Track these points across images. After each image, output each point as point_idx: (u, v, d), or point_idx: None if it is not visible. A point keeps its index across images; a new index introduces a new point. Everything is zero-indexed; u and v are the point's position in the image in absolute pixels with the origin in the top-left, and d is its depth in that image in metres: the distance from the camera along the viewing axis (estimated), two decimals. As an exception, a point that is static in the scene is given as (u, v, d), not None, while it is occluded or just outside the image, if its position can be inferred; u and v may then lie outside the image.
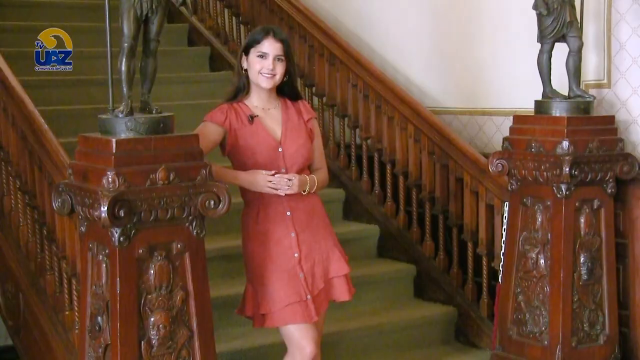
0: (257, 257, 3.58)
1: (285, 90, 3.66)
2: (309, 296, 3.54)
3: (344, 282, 3.68)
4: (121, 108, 3.18)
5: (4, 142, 4.37)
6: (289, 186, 3.50)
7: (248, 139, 3.55)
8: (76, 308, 3.84)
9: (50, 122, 4.05)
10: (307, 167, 3.67)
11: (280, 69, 3.54)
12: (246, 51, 3.57)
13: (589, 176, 4.20)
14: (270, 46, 3.52)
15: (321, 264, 3.61)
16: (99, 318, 3.21)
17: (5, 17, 5.97)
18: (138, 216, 3.07)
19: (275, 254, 3.55)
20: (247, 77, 3.59)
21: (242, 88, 3.61)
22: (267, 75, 3.53)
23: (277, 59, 3.52)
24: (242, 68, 3.59)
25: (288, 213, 3.56)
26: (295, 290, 3.53)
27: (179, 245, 3.19)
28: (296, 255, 3.56)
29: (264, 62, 3.52)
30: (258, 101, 3.62)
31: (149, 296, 3.16)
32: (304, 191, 3.56)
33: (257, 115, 3.57)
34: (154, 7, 3.22)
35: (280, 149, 3.56)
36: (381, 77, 5.24)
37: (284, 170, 3.54)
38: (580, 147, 4.18)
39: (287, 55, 3.55)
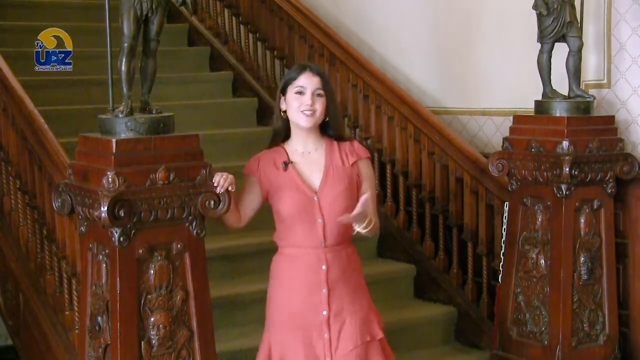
0: (281, 309, 3.34)
1: (329, 131, 3.39)
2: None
3: (378, 348, 3.37)
4: (121, 108, 3.18)
5: (4, 142, 4.37)
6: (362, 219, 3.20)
7: (281, 187, 3.32)
8: (76, 308, 3.84)
9: (50, 122, 4.05)
10: None
11: (320, 105, 3.30)
12: (283, 91, 3.35)
13: (589, 176, 4.20)
14: (307, 80, 3.31)
15: (353, 326, 3.31)
16: (99, 318, 3.21)
17: (5, 17, 5.96)
18: (138, 216, 3.07)
19: (300, 311, 3.30)
20: (287, 119, 3.36)
21: (280, 132, 3.39)
22: (307, 112, 3.28)
23: (315, 94, 3.30)
24: (281, 110, 3.36)
25: (324, 267, 3.31)
26: (314, 354, 3.28)
27: (179, 245, 3.19)
28: (325, 313, 3.29)
29: (302, 99, 3.29)
30: (298, 144, 3.37)
31: (149, 296, 3.16)
32: (363, 228, 3.22)
33: (291, 162, 3.34)
34: (154, 7, 3.22)
35: (315, 198, 3.30)
36: (381, 77, 5.24)
37: (320, 221, 3.29)
38: (580, 147, 4.18)
39: (327, 91, 3.33)
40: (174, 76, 5.92)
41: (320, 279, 3.30)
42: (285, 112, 3.35)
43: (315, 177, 3.34)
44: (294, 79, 3.32)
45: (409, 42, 5.53)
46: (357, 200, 3.24)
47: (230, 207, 3.20)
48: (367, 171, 3.42)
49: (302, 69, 3.35)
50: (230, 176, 3.23)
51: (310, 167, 3.35)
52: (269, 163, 3.35)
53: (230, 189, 3.19)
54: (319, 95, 3.31)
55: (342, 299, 3.32)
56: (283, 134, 3.39)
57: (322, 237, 3.30)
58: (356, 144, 3.41)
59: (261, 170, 3.35)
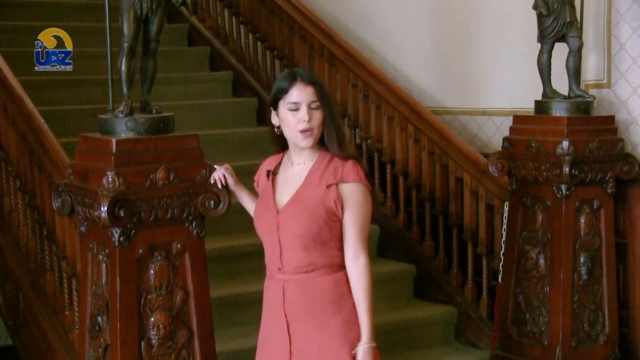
0: (260, 331, 3.11)
1: (327, 145, 2.96)
2: None
3: None
4: (121, 108, 3.18)
5: (4, 142, 4.37)
6: None
7: (260, 198, 3.08)
8: (76, 308, 3.84)
9: (50, 122, 4.05)
10: (324, 248, 2.92)
11: (317, 119, 2.91)
12: (274, 105, 2.97)
13: (589, 176, 4.20)
14: (300, 93, 2.91)
15: None
16: (99, 318, 3.21)
17: (5, 17, 5.96)
18: (138, 216, 3.07)
19: (267, 338, 3.04)
20: (282, 134, 3.00)
21: (276, 141, 3.06)
22: (306, 131, 2.91)
23: (311, 107, 2.91)
24: (274, 126, 3.00)
25: (281, 295, 2.95)
26: None
27: (179, 245, 3.19)
28: (287, 345, 2.95)
29: (298, 115, 2.91)
30: (292, 155, 3.02)
31: (149, 296, 3.16)
32: None
33: (276, 173, 3.04)
34: (154, 7, 3.23)
35: (276, 217, 2.95)
36: (381, 77, 5.24)
37: (277, 244, 2.94)
38: (580, 147, 4.18)
39: (323, 101, 2.93)
40: (174, 76, 5.92)
41: (279, 307, 2.96)
42: (279, 127, 2.99)
43: (286, 194, 2.98)
44: (285, 92, 2.92)
45: (409, 42, 5.53)
46: (327, 229, 2.89)
47: (229, 207, 3.20)
48: (353, 197, 2.92)
49: (292, 78, 2.93)
50: (225, 165, 3.19)
51: (288, 182, 3.00)
52: (264, 170, 3.11)
53: (227, 176, 3.14)
54: (315, 108, 2.92)
55: (306, 335, 2.93)
56: (278, 144, 3.07)
57: (278, 261, 2.95)
58: (348, 165, 2.92)
59: (259, 176, 3.15)
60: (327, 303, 2.92)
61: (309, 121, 2.90)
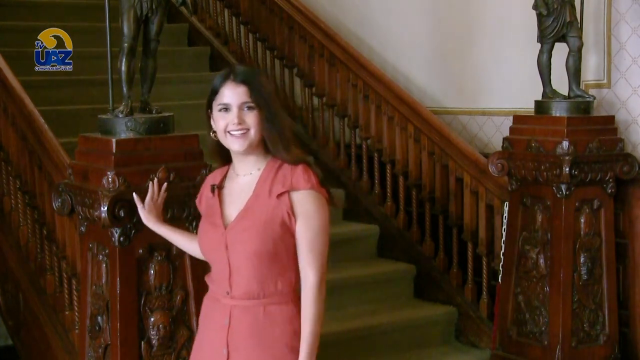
0: (192, 356, 2.80)
1: (271, 150, 2.63)
2: None
3: None
4: (121, 108, 3.19)
5: (4, 142, 4.37)
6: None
7: (204, 215, 2.76)
8: (76, 308, 3.84)
9: (50, 122, 4.05)
10: (280, 270, 2.58)
11: (252, 120, 2.58)
12: (209, 107, 2.67)
13: (589, 176, 4.20)
14: (230, 92, 2.59)
15: None
16: (99, 318, 3.21)
17: (5, 17, 5.96)
18: (138, 216, 3.07)
19: None
20: (218, 141, 2.68)
21: (216, 154, 2.73)
22: (235, 132, 2.58)
23: (244, 107, 2.59)
24: (211, 130, 2.68)
25: (226, 322, 2.61)
26: None
27: (179, 245, 3.19)
28: None
29: (228, 117, 2.59)
30: (236, 165, 2.69)
31: (149, 296, 3.16)
32: None
33: (217, 187, 2.71)
34: (154, 7, 3.23)
35: (224, 234, 2.62)
36: (381, 77, 5.24)
37: (226, 262, 2.60)
38: (580, 147, 4.18)
39: (259, 101, 2.59)
40: (174, 76, 5.92)
41: (221, 336, 2.62)
42: (215, 132, 2.66)
43: (234, 208, 2.64)
44: (216, 92, 2.62)
45: (409, 42, 5.53)
46: (283, 247, 2.56)
47: None
48: (306, 207, 2.57)
49: (224, 77, 2.63)
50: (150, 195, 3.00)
51: (236, 195, 2.66)
52: (208, 185, 2.77)
53: (140, 210, 2.97)
54: (249, 108, 2.59)
55: None
56: (219, 156, 2.73)
57: (227, 284, 2.61)
58: (299, 170, 2.58)
59: (202, 194, 2.81)
60: (279, 342, 2.58)
61: (239, 123, 2.57)
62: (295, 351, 2.55)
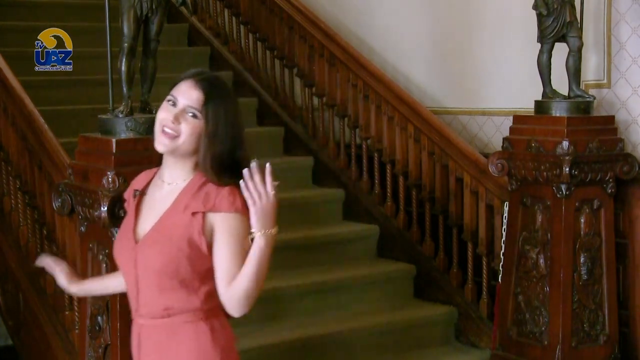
0: None
1: (200, 166, 2.45)
2: None
3: None
4: (121, 108, 3.19)
5: (4, 142, 4.37)
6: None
7: (122, 224, 2.60)
8: (76, 308, 3.84)
9: (50, 122, 4.05)
10: (183, 289, 2.43)
11: (188, 128, 2.40)
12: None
13: (589, 176, 4.20)
14: (183, 91, 2.46)
15: None
16: (99, 318, 3.21)
17: (5, 17, 5.96)
18: (138, 216, 3.06)
19: None
20: None
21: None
22: (166, 129, 2.41)
23: (187, 112, 2.42)
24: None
25: (136, 342, 2.53)
26: None
27: (179, 245, 3.19)
28: None
29: (170, 112, 2.43)
30: (163, 170, 2.52)
31: (149, 296, 3.15)
32: None
33: (140, 193, 2.55)
34: (154, 7, 3.23)
35: (134, 248, 2.47)
36: (381, 77, 5.23)
37: (135, 279, 2.46)
38: (580, 147, 4.18)
39: (207, 115, 2.42)
40: (174, 76, 5.88)
41: (136, 356, 2.53)
42: None
43: (150, 221, 2.47)
44: (175, 84, 2.51)
45: (409, 42, 5.53)
46: (188, 267, 2.39)
47: None
48: (226, 227, 2.40)
49: (192, 74, 2.52)
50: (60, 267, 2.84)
51: (155, 206, 2.49)
52: (131, 190, 2.60)
53: (56, 274, 2.79)
54: (192, 115, 2.42)
55: None
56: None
57: (135, 302, 2.49)
58: (223, 192, 2.40)
59: (129, 195, 2.63)
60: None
61: (173, 122, 2.40)
62: None
